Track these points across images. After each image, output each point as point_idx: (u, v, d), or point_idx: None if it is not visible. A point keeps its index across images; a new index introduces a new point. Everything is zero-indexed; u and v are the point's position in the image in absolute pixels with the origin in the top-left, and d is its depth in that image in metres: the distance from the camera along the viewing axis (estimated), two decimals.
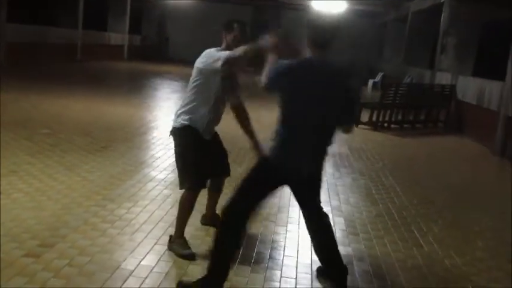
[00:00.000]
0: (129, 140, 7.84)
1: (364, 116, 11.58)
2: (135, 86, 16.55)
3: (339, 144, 9.29)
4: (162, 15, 31.04)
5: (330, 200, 5.73)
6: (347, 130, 3.46)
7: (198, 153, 3.88)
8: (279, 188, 3.45)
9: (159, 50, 30.17)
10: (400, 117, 12.22)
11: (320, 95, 3.20)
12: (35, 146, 6.67)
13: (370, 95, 19.87)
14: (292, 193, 3.59)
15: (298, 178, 3.40)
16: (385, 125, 11.81)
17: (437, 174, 7.97)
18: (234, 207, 3.34)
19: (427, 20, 18.87)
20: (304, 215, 3.68)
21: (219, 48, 3.92)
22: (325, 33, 3.28)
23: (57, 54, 19.77)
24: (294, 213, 5.17)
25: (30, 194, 4.81)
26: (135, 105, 11.55)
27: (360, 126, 11.49)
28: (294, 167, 3.32)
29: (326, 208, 5.34)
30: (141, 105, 11.81)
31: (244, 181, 3.38)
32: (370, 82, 23.86)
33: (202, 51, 3.91)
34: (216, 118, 3.98)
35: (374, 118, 11.56)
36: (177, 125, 3.92)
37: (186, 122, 3.87)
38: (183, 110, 3.91)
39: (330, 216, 5.14)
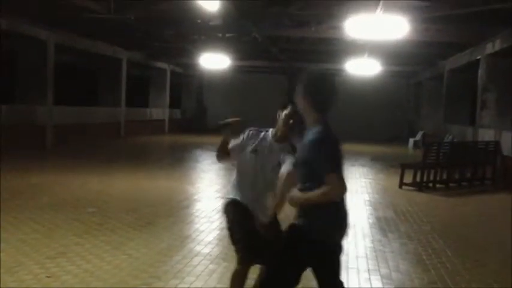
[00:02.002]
0: (173, 215, 7.90)
1: (408, 177, 11.40)
2: (177, 159, 16.86)
3: (383, 207, 9.15)
4: (200, 87, 31.98)
5: (379, 268, 5.57)
6: None
7: (243, 226, 3.81)
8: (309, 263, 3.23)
9: (198, 122, 30.88)
10: (445, 176, 11.97)
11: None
12: (82, 225, 6.79)
13: (412, 155, 19.63)
14: (314, 273, 3.27)
15: (331, 246, 3.19)
16: (430, 185, 11.56)
17: (488, 235, 7.69)
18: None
19: (464, 77, 18.82)
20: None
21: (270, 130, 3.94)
22: (328, 98, 3.15)
23: (102, 133, 20.49)
24: None
25: (78, 276, 4.86)
26: (177, 178, 11.72)
27: (403, 187, 11.31)
28: (328, 232, 3.13)
29: (375, 277, 5.24)
30: (183, 178, 11.97)
31: (276, 258, 3.20)
32: (411, 141, 23.65)
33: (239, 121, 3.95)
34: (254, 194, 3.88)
35: (418, 178, 11.36)
36: (224, 200, 3.98)
37: (229, 196, 3.93)
38: (230, 184, 4.00)
39: (380, 285, 5.02)
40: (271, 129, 3.91)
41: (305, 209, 3.11)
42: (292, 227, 3.17)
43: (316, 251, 3.14)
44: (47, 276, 4.78)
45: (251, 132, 3.95)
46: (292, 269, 3.15)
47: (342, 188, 3.02)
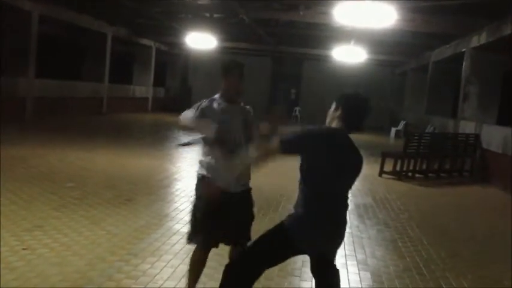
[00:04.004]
0: (152, 193, 7.88)
1: (388, 165, 11.50)
2: (159, 137, 16.77)
3: (362, 194, 9.22)
4: (185, 66, 31.71)
5: (356, 254, 5.64)
6: None
7: (209, 208, 3.60)
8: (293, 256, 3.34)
9: (182, 101, 30.64)
10: (424, 166, 12.10)
11: (344, 168, 3.12)
12: (61, 199, 6.74)
13: (393, 144, 19.77)
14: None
15: (318, 253, 3.21)
16: (409, 174, 11.69)
17: (464, 226, 7.81)
18: (240, 269, 3.19)
19: (448, 69, 18.93)
20: (314, 272, 3.34)
21: (216, 96, 3.77)
22: (362, 120, 3.22)
23: (83, 108, 20.25)
24: None
25: (55, 250, 4.83)
26: (158, 156, 11.67)
27: (383, 175, 11.41)
28: (315, 244, 3.14)
29: (351, 262, 5.30)
30: (165, 157, 11.92)
31: (256, 243, 3.22)
32: (393, 130, 23.83)
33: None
34: (224, 166, 3.60)
35: (398, 167, 11.46)
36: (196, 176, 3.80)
37: (199, 172, 3.76)
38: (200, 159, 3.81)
39: (356, 270, 5.08)
40: (217, 95, 3.76)
41: (296, 208, 3.13)
42: (280, 225, 3.17)
43: (306, 252, 3.21)
44: (23, 249, 4.75)
45: (204, 104, 3.71)
46: (272, 257, 3.21)
47: (273, 150, 3.06)
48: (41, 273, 4.25)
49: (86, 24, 19.52)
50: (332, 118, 3.22)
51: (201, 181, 3.72)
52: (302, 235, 3.07)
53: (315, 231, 3.07)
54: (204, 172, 3.71)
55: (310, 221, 3.07)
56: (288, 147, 3.08)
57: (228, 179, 3.62)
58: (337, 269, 3.32)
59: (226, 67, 3.76)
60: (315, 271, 3.27)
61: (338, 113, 3.18)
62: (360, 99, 3.24)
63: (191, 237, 3.73)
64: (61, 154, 10.59)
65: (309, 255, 3.24)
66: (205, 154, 3.75)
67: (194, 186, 3.78)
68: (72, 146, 11.93)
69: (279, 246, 3.14)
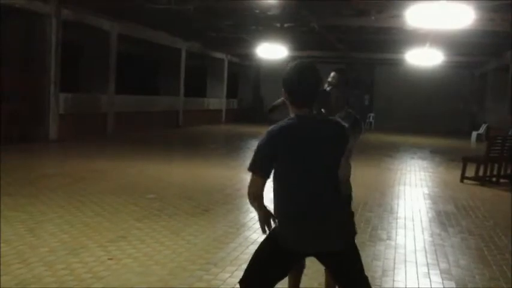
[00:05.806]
0: (229, 203, 7.98)
1: (470, 171, 11.05)
2: (233, 148, 17.00)
3: (443, 201, 8.92)
4: (256, 77, 32.05)
5: (438, 263, 5.44)
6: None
7: None
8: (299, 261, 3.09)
9: (254, 112, 31.00)
10: (509, 171, 11.52)
11: (309, 149, 2.81)
12: (142, 210, 6.97)
13: (475, 148, 19.02)
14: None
15: (321, 252, 2.91)
16: (493, 179, 11.17)
17: None
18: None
19: None
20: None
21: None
22: (304, 93, 2.86)
23: (160, 121, 20.93)
24: (400, 275, 4.97)
25: (138, 259, 4.99)
26: (233, 167, 11.82)
27: (465, 181, 10.98)
28: (300, 240, 2.85)
29: (434, 271, 5.12)
30: (239, 167, 12.04)
31: (255, 259, 3.02)
32: (474, 134, 22.92)
33: None
34: None
35: (480, 173, 10.98)
36: None
37: None
38: None
39: (439, 279, 4.91)
40: None
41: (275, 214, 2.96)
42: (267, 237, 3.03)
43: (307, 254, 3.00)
44: (109, 259, 4.94)
45: None
46: (276, 271, 2.98)
47: (249, 189, 2.90)
48: (126, 282, 4.40)
49: (161, 40, 20.21)
50: (287, 107, 2.97)
51: None
52: (283, 235, 2.86)
53: (293, 225, 2.84)
54: None
55: (285, 217, 2.86)
56: (257, 165, 2.89)
57: None
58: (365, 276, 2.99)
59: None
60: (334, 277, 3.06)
61: (285, 96, 2.92)
62: (295, 68, 2.88)
63: None
64: (141, 166, 10.96)
65: (315, 256, 2.97)
66: None
67: None
68: (150, 158, 12.33)
69: (270, 256, 2.94)
